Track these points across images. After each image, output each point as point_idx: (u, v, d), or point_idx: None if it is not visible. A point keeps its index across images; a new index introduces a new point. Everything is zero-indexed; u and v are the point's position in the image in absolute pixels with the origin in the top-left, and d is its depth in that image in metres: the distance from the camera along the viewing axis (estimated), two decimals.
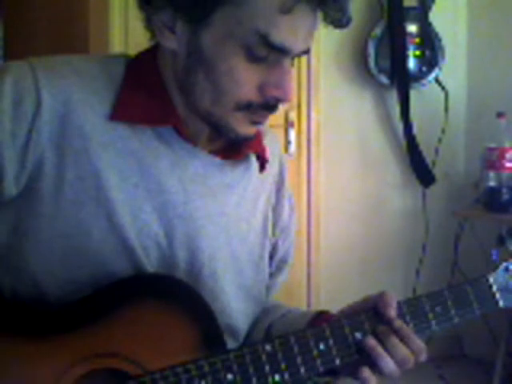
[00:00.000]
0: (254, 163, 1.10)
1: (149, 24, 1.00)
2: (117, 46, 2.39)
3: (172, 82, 1.01)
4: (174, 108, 1.01)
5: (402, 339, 1.00)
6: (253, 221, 1.11)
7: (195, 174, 1.03)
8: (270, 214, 1.16)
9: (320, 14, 0.95)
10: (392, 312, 1.00)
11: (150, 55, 1.03)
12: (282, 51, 0.94)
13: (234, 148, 1.06)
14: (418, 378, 2.55)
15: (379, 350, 0.98)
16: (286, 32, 0.93)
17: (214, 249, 1.05)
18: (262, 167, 1.10)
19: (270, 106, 0.98)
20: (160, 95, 1.01)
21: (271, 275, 1.18)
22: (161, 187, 1.00)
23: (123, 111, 0.99)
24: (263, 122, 1.01)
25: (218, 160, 1.05)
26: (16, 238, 0.95)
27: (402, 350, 0.99)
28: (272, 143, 1.17)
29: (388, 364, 0.98)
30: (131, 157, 0.98)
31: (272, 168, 1.16)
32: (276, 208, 1.17)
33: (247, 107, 0.97)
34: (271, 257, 1.17)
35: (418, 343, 1.00)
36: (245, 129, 1.00)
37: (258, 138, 1.07)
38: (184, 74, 0.98)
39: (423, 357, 1.00)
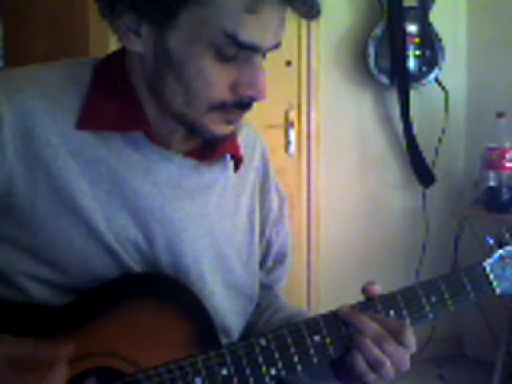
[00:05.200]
0: (231, 161, 1.08)
1: (113, 29, 0.97)
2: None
3: (142, 85, 0.98)
4: (143, 113, 0.99)
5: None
6: (236, 218, 1.10)
7: (170, 177, 1.01)
8: (258, 209, 1.14)
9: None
10: (377, 290, 1.05)
11: (119, 57, 1.01)
12: (251, 49, 0.92)
13: (209, 148, 1.04)
14: (418, 378, 2.55)
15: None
16: (254, 30, 0.91)
17: (197, 251, 1.03)
18: (237, 167, 1.08)
19: (244, 105, 0.96)
20: (129, 100, 0.98)
21: (271, 270, 1.17)
22: (135, 193, 0.98)
23: (90, 119, 0.96)
24: (238, 120, 1.00)
25: (193, 161, 1.03)
26: (3, 250, 0.94)
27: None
28: (249, 137, 1.14)
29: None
30: (101, 165, 0.96)
31: (253, 162, 1.14)
32: (264, 202, 1.15)
33: (221, 107, 0.95)
34: (267, 252, 1.16)
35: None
36: (220, 129, 0.98)
37: (232, 138, 1.05)
38: (153, 78, 0.96)
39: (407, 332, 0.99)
